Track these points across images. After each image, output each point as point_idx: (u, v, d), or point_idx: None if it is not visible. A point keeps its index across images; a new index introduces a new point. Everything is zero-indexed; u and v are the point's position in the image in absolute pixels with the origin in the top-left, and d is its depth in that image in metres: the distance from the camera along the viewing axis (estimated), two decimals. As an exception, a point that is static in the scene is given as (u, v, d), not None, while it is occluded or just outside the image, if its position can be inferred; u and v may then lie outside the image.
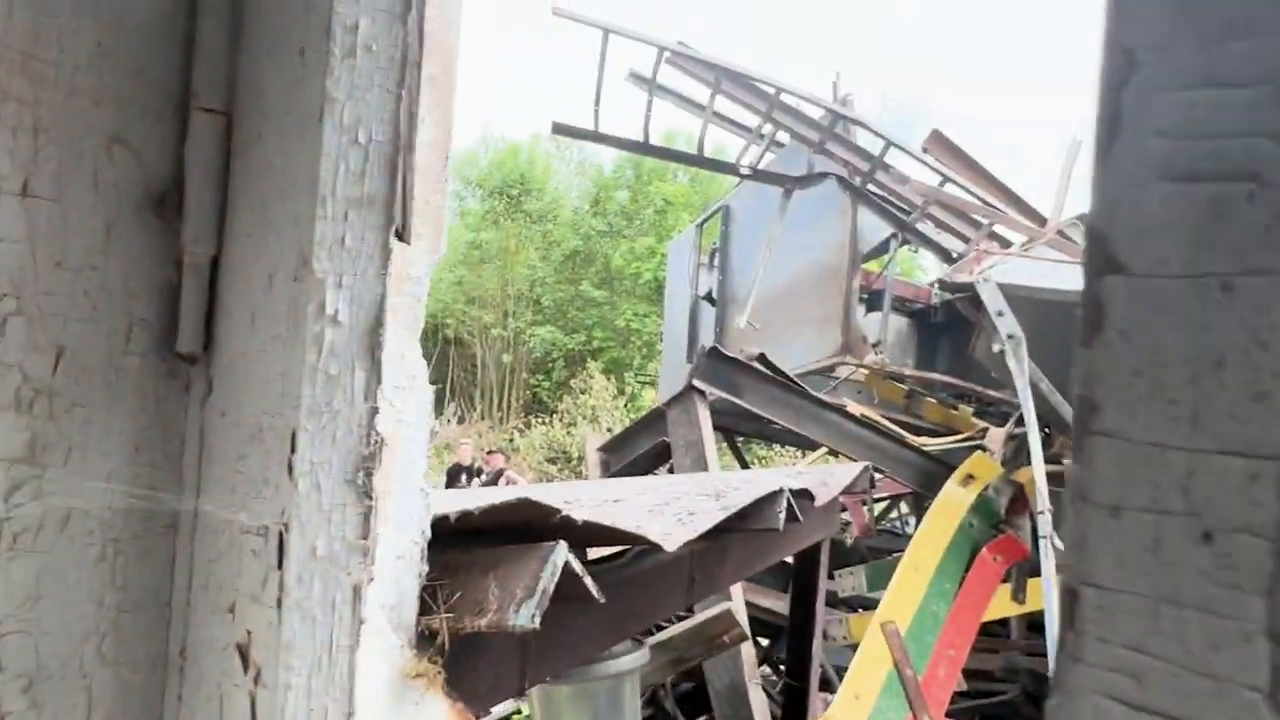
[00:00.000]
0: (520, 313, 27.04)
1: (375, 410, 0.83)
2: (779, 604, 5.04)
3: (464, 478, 12.00)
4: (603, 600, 1.25)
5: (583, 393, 22.51)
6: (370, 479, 0.82)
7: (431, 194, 1.10)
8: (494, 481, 11.57)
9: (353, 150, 0.78)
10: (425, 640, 1.11)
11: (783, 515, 1.99)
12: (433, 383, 1.30)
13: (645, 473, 5.09)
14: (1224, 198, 0.29)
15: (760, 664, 4.78)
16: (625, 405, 22.94)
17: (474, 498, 1.29)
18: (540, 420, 22.94)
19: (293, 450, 0.80)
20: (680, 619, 3.32)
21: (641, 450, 5.46)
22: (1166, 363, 0.27)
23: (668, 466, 5.57)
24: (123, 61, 0.84)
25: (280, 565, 0.76)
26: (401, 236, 0.87)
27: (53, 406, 0.82)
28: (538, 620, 1.10)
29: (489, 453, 13.21)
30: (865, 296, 7.11)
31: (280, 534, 0.78)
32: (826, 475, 2.87)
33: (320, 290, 0.80)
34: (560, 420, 22.38)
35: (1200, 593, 0.28)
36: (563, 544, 1.15)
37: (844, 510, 6.22)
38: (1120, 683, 0.27)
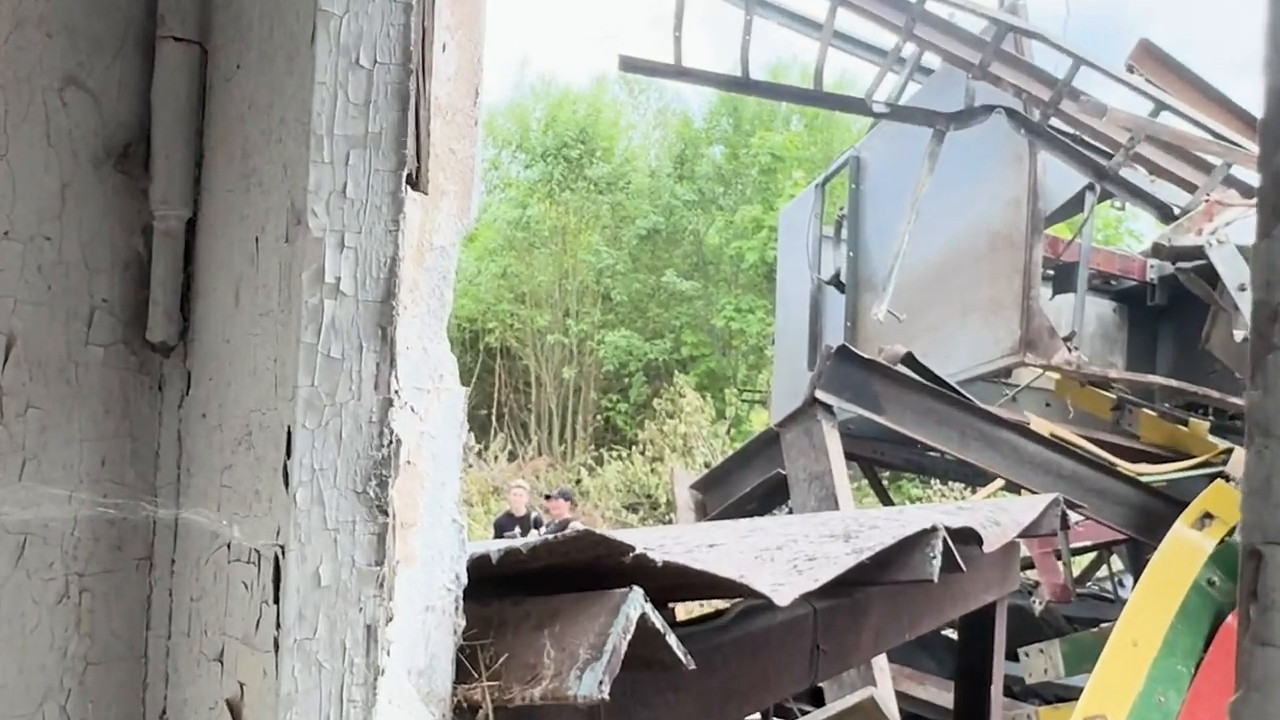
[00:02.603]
0: (585, 312, 27.34)
1: (389, 402, 0.87)
2: (942, 695, 4.96)
3: (517, 530, 12.16)
4: (693, 667, 1.28)
5: (670, 416, 22.56)
6: (384, 490, 0.86)
7: (458, 140, 1.14)
8: (557, 534, 11.72)
9: (353, 76, 0.82)
10: (463, 715, 1.15)
11: (937, 562, 1.98)
12: (475, 408, 1.34)
13: (753, 515, 5.10)
14: None
15: (919, 775, 4.71)
16: (728, 432, 22.88)
17: (524, 541, 1.34)
18: (615, 454, 23.08)
19: (288, 454, 0.85)
20: (804, 711, 3.31)
21: (748, 488, 5.48)
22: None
23: (786, 509, 5.56)
24: (77, -16, 0.90)
25: (277, 599, 0.81)
26: (416, 184, 0.91)
27: (3, 409, 0.89)
28: (606, 689, 1.14)
29: (549, 497, 13.35)
30: (1052, 272, 6.96)
31: (276, 559, 0.83)
32: (998, 511, 2.83)
33: (318, 252, 0.85)
34: (642, 453, 22.46)
35: None
36: (637, 590, 1.16)
37: (1029, 567, 6.08)
38: (1324, 669, 0.27)
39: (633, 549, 1.23)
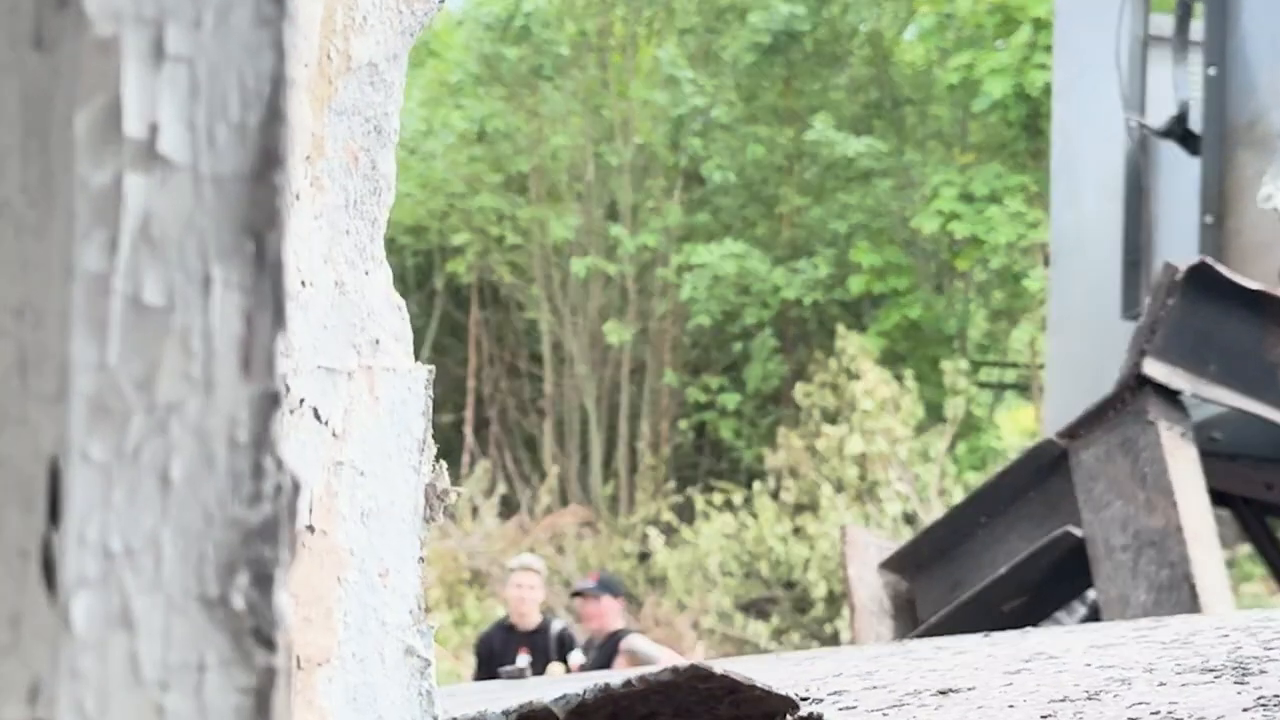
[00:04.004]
0: (650, 208, 27.43)
1: (274, 399, 0.84)
2: None
3: (523, 660, 12.29)
4: None
5: (832, 419, 22.59)
6: (268, 594, 0.83)
7: None
8: (605, 663, 11.79)
9: None
10: None
11: None
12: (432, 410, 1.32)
13: (1015, 621, 5.07)
14: None
15: None
16: (952, 449, 22.84)
17: (555, 685, 1.36)
18: (719, 498, 23.18)
19: (52, 520, 0.84)
20: None
21: (1003, 566, 5.47)
22: None
23: (1087, 607, 5.52)
24: None
25: None
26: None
27: None
28: None
29: (580, 594, 13.44)
30: None
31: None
32: None
33: (108, 69, 0.83)
34: (774, 497, 22.54)
35: None
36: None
37: None
38: None
39: (793, 705, 1.25)
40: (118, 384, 0.83)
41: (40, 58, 0.82)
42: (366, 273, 1.12)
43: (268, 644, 0.83)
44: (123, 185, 0.84)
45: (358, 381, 1.09)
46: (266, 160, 0.83)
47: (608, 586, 13.13)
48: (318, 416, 1.08)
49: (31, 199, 0.84)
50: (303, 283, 1.07)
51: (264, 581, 0.83)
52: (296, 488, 0.85)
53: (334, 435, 1.09)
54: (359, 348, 1.10)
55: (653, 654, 11.74)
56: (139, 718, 0.84)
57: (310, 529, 1.09)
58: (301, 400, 1.07)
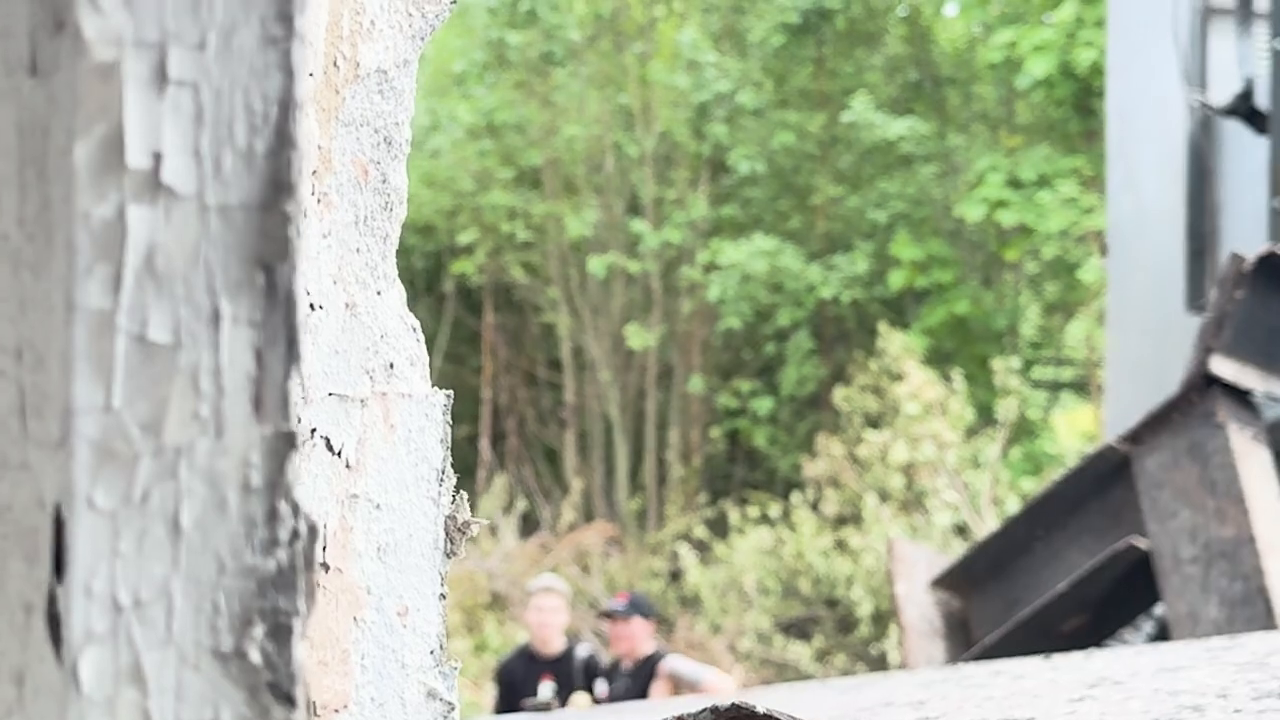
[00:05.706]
0: (674, 202, 27.34)
1: (290, 440, 0.84)
2: None
3: (547, 688, 12.29)
4: None
5: (874, 424, 22.50)
6: (286, 647, 0.84)
7: None
8: (639, 689, 11.73)
9: None
10: None
11: None
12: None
13: (1076, 641, 5.06)
14: None
15: None
16: (1005, 455, 22.73)
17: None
18: (754, 512, 23.10)
19: (57, 571, 0.84)
20: None
21: (1063, 581, 5.45)
22: None
23: (1154, 624, 5.50)
24: None
25: None
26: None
27: None
28: None
29: (610, 615, 13.39)
30: None
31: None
32: None
33: (109, 96, 0.82)
34: (813, 507, 22.45)
35: None
36: None
37: None
38: None
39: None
40: (124, 427, 0.84)
41: (36, 85, 0.82)
42: (379, 292, 1.12)
43: (286, 699, 0.83)
44: (125, 217, 0.84)
45: (372, 409, 1.08)
46: (276, 188, 0.83)
47: (638, 607, 12.99)
48: (330, 447, 1.08)
49: (29, 233, 0.84)
50: (312, 305, 1.07)
51: (281, 633, 0.83)
52: (314, 533, 0.85)
53: (348, 467, 1.09)
54: (372, 373, 1.10)
55: (696, 675, 11.68)
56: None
57: (324, 567, 1.09)
58: (313, 430, 1.07)
